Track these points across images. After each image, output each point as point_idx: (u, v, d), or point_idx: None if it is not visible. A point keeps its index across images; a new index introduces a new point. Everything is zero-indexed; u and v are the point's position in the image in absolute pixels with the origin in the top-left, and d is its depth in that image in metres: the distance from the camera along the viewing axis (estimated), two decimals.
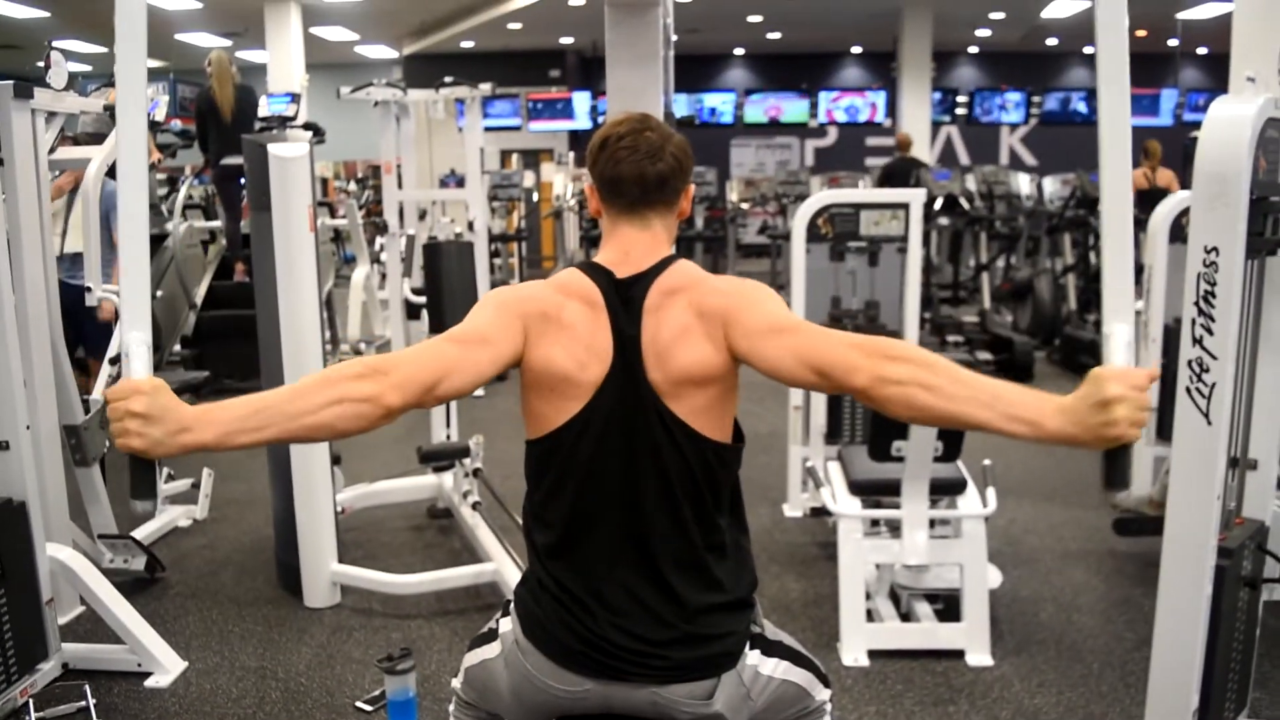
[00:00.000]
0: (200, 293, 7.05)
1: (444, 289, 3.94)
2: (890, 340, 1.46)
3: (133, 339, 1.39)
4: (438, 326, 3.98)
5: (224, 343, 6.67)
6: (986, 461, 3.28)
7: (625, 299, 1.56)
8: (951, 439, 3.10)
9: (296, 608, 3.49)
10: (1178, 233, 4.20)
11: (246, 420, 1.31)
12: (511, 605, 1.66)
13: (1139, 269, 7.43)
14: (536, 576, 1.61)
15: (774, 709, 1.64)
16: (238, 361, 6.34)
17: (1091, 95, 14.08)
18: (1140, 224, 7.69)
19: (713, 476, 1.57)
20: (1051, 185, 11.85)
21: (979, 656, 3.07)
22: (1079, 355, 7.26)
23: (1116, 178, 1.50)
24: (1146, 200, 7.96)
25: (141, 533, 3.96)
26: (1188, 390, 2.17)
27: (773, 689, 1.63)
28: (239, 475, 4.87)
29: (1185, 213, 4.12)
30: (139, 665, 3.00)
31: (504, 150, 15.17)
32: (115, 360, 3.84)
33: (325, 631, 3.32)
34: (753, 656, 1.60)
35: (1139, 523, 3.88)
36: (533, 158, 14.72)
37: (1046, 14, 12.82)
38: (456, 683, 1.83)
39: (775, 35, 14.77)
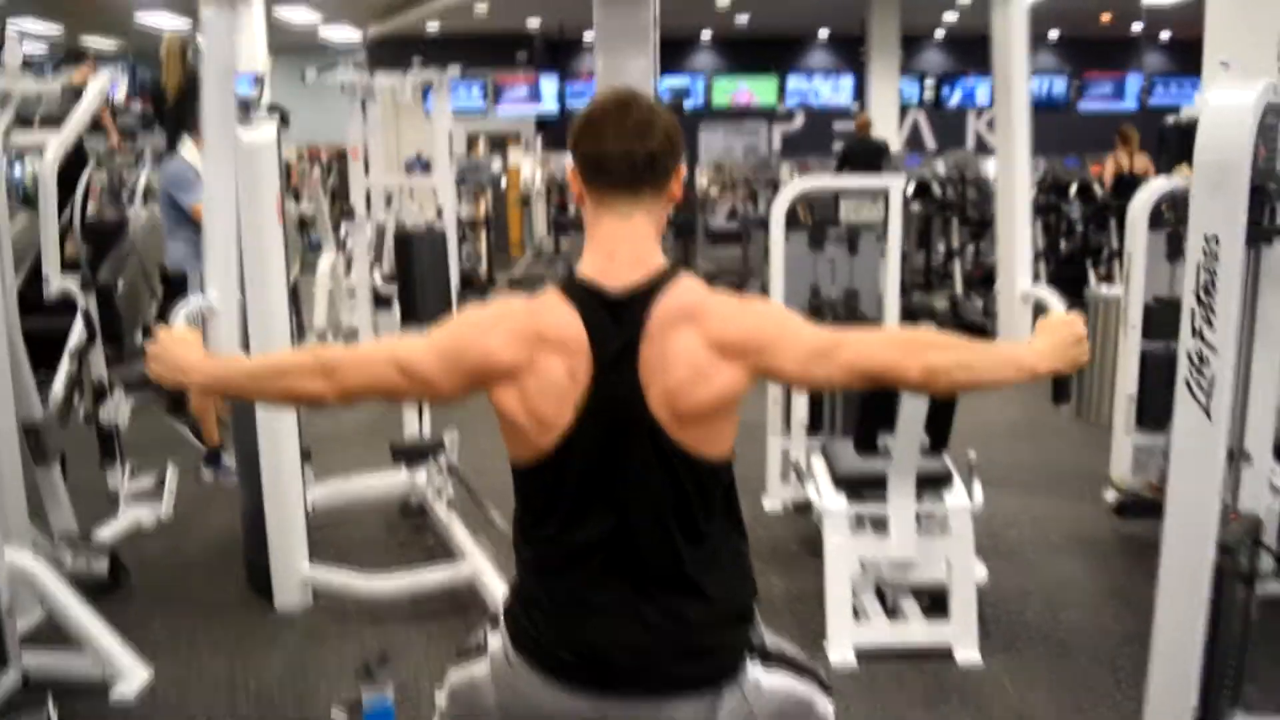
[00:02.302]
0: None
1: (416, 279, 3.83)
2: (916, 331, 1.54)
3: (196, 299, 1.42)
4: (409, 316, 3.88)
5: None
6: (971, 454, 3.23)
7: (618, 317, 1.45)
8: (938, 430, 3.05)
9: (267, 612, 3.38)
10: (1156, 219, 4.16)
11: (219, 384, 1.61)
12: (500, 620, 1.57)
13: (1120, 253, 7.44)
14: (527, 590, 1.53)
15: None
16: None
17: (1058, 79, 14.15)
18: (1116, 209, 7.75)
19: (709, 492, 1.50)
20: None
21: (968, 654, 3.03)
22: None
23: (1013, 158, 1.91)
24: (1124, 186, 7.98)
25: (104, 534, 3.83)
26: (1187, 383, 2.12)
27: (776, 703, 1.56)
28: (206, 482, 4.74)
29: (1164, 199, 4.09)
30: (103, 675, 2.89)
31: (470, 134, 14.98)
32: (73, 354, 3.71)
33: (297, 637, 3.22)
34: (754, 669, 1.53)
35: (1140, 506, 3.86)
36: (500, 142, 14.56)
37: None
38: (440, 700, 1.74)
39: (743, 19, 14.68)
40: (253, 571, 3.55)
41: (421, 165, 11.96)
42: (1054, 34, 16.30)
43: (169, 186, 4.59)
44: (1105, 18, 14.25)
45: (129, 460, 4.20)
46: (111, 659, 2.89)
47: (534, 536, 1.53)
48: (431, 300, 3.86)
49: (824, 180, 5.02)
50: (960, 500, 3.13)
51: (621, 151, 1.47)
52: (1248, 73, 4.93)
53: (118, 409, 4.04)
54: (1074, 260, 8.02)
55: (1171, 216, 4.11)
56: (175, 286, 4.60)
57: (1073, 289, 7.91)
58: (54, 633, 3.05)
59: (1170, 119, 5.35)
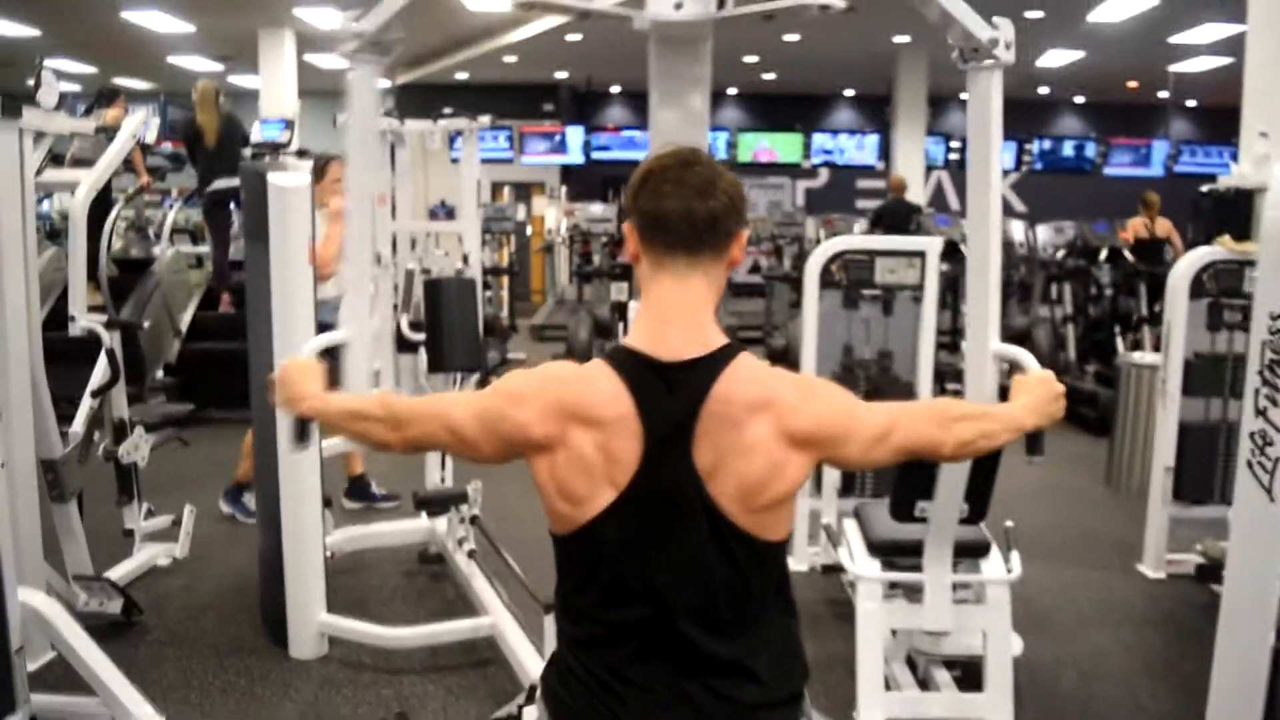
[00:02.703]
0: (186, 319, 6.87)
1: (444, 325, 3.80)
2: (944, 403, 1.61)
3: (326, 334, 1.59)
4: (437, 363, 3.84)
5: (208, 373, 6.48)
6: (1009, 523, 3.15)
7: (673, 388, 1.40)
8: (977, 500, 2.96)
9: (281, 659, 3.31)
10: (1198, 288, 4.10)
11: (318, 416, 1.65)
12: (538, 693, 1.50)
13: (1150, 319, 7.36)
14: (566, 663, 1.46)
15: None
16: (222, 393, 6.15)
17: (1083, 143, 14.17)
18: (1140, 274, 7.69)
19: (768, 573, 1.45)
20: (1045, 233, 11.86)
21: None
22: (1078, 406, 7.17)
23: (985, 220, 2.07)
24: (1146, 250, 7.95)
25: (118, 573, 3.77)
26: (1249, 464, 2.05)
27: None
28: (221, 514, 4.68)
29: (1206, 268, 4.03)
30: (113, 718, 2.81)
31: (495, 182, 15.07)
32: (96, 393, 3.68)
33: (312, 686, 3.14)
34: None
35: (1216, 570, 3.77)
36: (524, 191, 14.65)
37: (1040, 63, 12.88)
38: None
39: (770, 76, 14.79)
40: (268, 617, 3.48)
41: (445, 211, 12.06)
42: (1080, 99, 16.36)
43: None
44: (1132, 84, 14.29)
45: (146, 500, 4.15)
46: (123, 703, 2.81)
47: (572, 609, 1.48)
48: (460, 348, 3.83)
49: (860, 240, 4.95)
50: (998, 571, 3.04)
51: (682, 210, 1.42)
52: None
53: (136, 447, 4.00)
54: (1102, 325, 7.93)
55: (1213, 286, 4.05)
56: None
57: (1101, 354, 7.86)
58: (65, 673, 2.98)
59: (1205, 187, 5.29)
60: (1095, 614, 3.85)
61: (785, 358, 8.38)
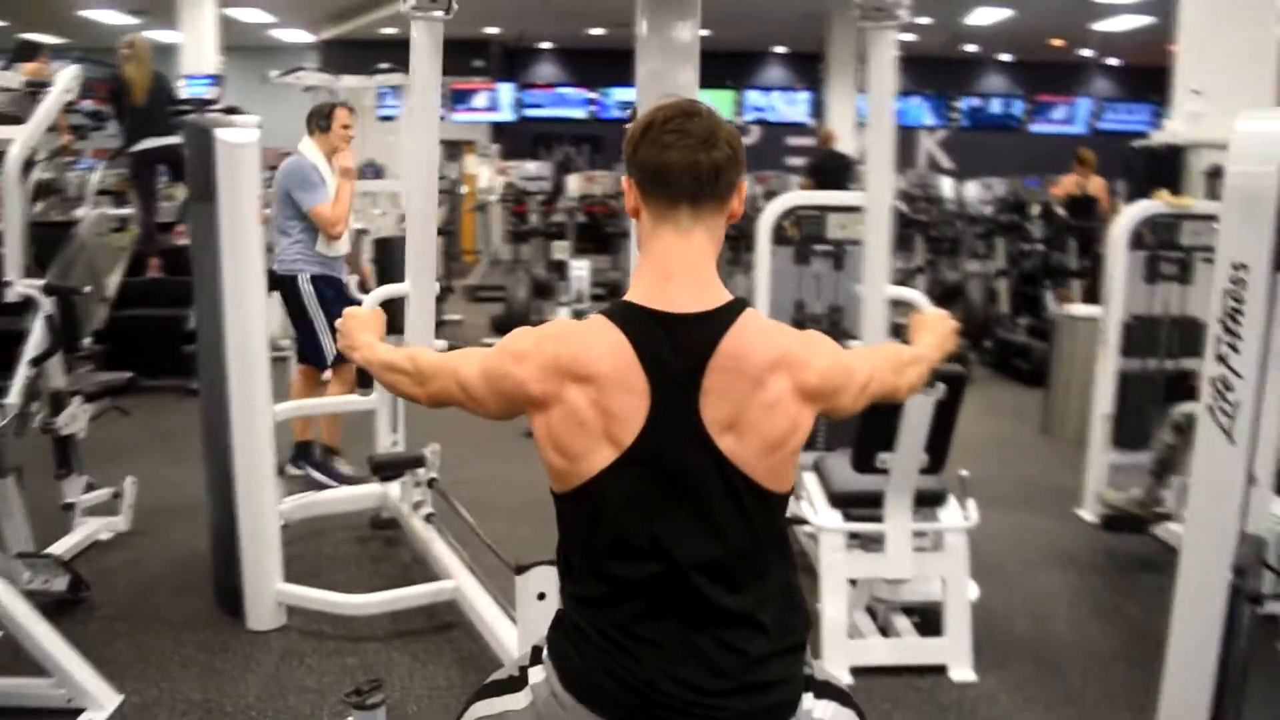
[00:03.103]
0: (113, 285, 6.62)
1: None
2: (893, 349, 1.72)
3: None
4: (394, 323, 3.75)
5: (138, 340, 6.27)
6: (964, 472, 3.21)
7: (678, 342, 1.40)
8: (938, 451, 3.02)
9: (239, 631, 3.24)
10: (1136, 241, 4.20)
11: (365, 365, 1.74)
12: (544, 653, 1.49)
13: (1080, 273, 7.53)
14: (573, 623, 1.45)
15: None
16: (153, 361, 5.97)
17: (1009, 101, 14.40)
18: (1071, 229, 7.86)
19: (775, 524, 1.46)
20: (974, 189, 12.03)
21: (963, 672, 3.01)
22: (1013, 358, 7.35)
23: (880, 174, 2.29)
24: (1078, 206, 8.11)
25: (59, 549, 3.65)
26: (1210, 409, 2.11)
27: None
28: (164, 483, 4.56)
29: (1147, 222, 4.13)
30: (69, 700, 2.73)
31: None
32: (34, 362, 3.54)
33: (273, 658, 3.09)
34: (807, 701, 1.48)
35: (1126, 520, 3.89)
36: (455, 149, 14.40)
37: (970, 20, 13.01)
38: None
39: (704, 32, 14.66)
40: (222, 588, 3.41)
41: (373, 171, 11.79)
42: (1006, 57, 16.57)
43: (288, 183, 4.43)
44: (1057, 42, 14.51)
45: (86, 472, 4.03)
46: (79, 682, 2.74)
47: (576, 567, 1.46)
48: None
49: (813, 195, 4.95)
50: (956, 519, 3.11)
51: (686, 161, 1.41)
52: (1215, 99, 5.03)
53: (75, 418, 3.87)
54: (1033, 280, 8.11)
55: (1152, 239, 4.15)
56: (286, 288, 4.48)
57: (1032, 307, 8.04)
58: (13, 655, 2.89)
59: (1137, 143, 5.43)
60: (1041, 559, 3.96)
61: None
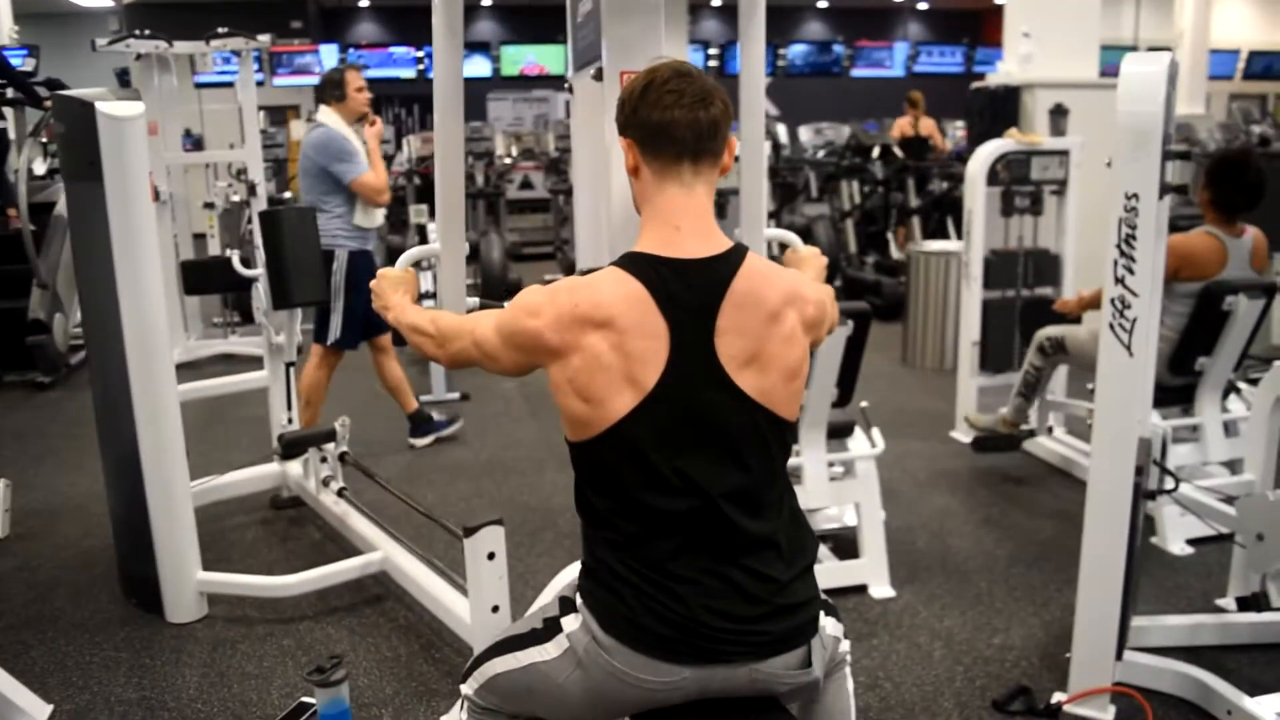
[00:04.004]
0: None
1: (286, 258, 3.60)
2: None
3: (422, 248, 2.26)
4: (282, 298, 3.65)
5: None
6: (864, 404, 3.41)
7: (691, 283, 1.47)
8: (847, 385, 3.20)
9: (160, 626, 3.13)
10: (992, 177, 4.49)
11: (395, 324, 1.86)
12: (578, 601, 1.55)
13: (917, 210, 7.94)
14: (608, 568, 1.51)
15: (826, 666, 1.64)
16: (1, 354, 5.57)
17: (831, 46, 14.88)
18: (908, 169, 8.28)
19: (785, 453, 1.55)
20: (806, 134, 12.46)
21: (882, 589, 3.22)
22: (866, 295, 7.71)
23: (753, 126, 2.32)
24: (912, 147, 8.54)
25: None
26: (1111, 326, 2.33)
27: (831, 645, 1.63)
28: (34, 484, 4.32)
29: (1001, 159, 4.42)
30: None
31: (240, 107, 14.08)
32: None
33: (204, 648, 3.00)
34: (823, 617, 1.59)
35: (996, 440, 4.19)
36: (279, 115, 13.79)
37: None
38: (469, 689, 1.70)
39: None
40: (133, 582, 3.27)
41: (191, 142, 11.20)
42: (824, 4, 17.08)
43: (322, 158, 4.26)
44: None
45: None
46: (5, 696, 2.60)
47: (604, 511, 1.51)
48: (304, 280, 3.66)
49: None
50: (864, 448, 3.31)
51: (689, 119, 1.48)
52: (1044, 42, 5.38)
53: None
54: (875, 219, 8.51)
55: (1005, 175, 4.45)
56: (326, 264, 4.24)
57: (877, 245, 8.44)
58: None
59: (975, 85, 5.76)
60: (928, 480, 4.25)
61: (584, 272, 8.48)
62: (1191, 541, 3.48)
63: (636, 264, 1.49)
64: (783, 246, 2.37)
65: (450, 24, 2.33)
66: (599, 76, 1.79)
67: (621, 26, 1.72)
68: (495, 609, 2.61)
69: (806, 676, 1.52)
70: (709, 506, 1.47)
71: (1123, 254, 2.29)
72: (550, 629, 1.57)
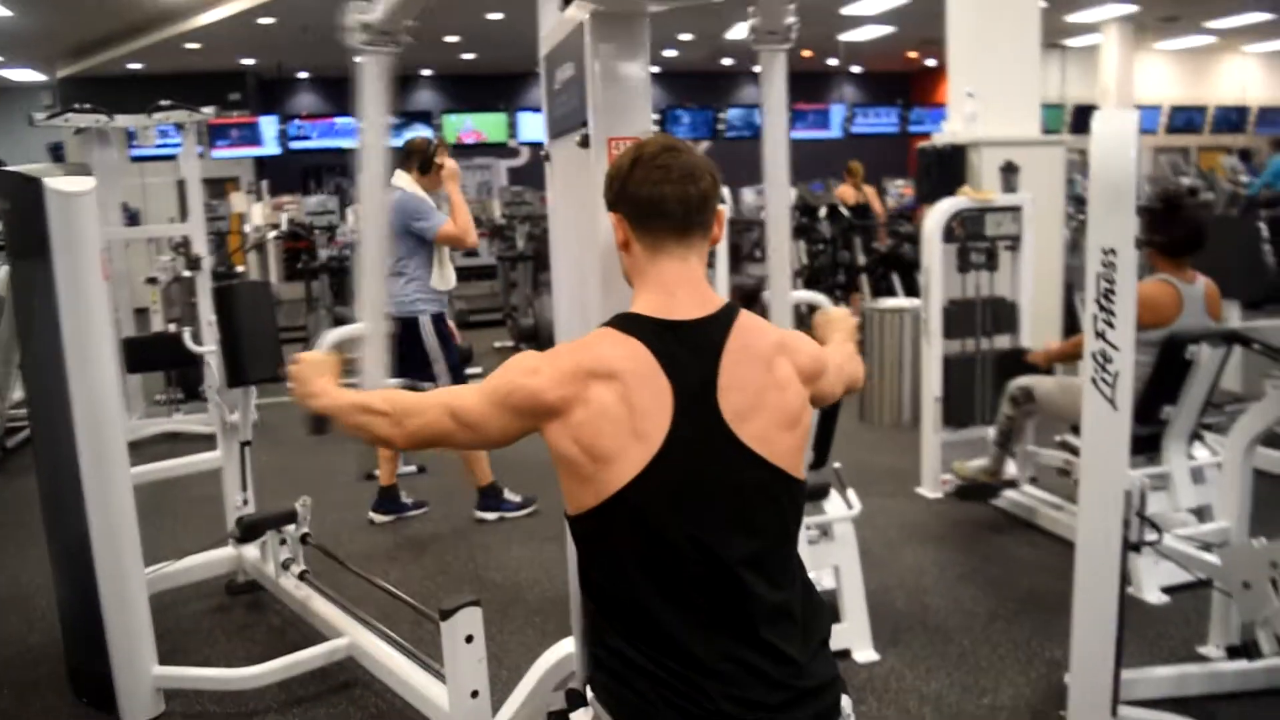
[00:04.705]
0: None
1: (242, 334, 3.50)
2: (830, 346, 1.81)
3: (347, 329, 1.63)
4: (236, 375, 3.54)
5: None
6: (837, 465, 3.38)
7: (690, 345, 1.45)
8: (823, 447, 3.17)
9: None
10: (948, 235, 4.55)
11: (327, 410, 1.66)
12: (589, 695, 1.47)
13: (864, 269, 8.04)
14: (621, 658, 1.43)
15: None
16: None
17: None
18: (854, 228, 8.41)
19: (797, 516, 1.51)
20: (749, 196, 12.64)
21: (866, 653, 3.16)
22: None
23: (778, 189, 2.39)
24: (859, 212, 8.72)
25: None
26: (1094, 380, 2.33)
27: None
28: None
29: (955, 216, 4.48)
30: None
31: (180, 181, 13.92)
32: None
33: None
34: (844, 700, 1.53)
35: (979, 489, 4.20)
36: (218, 187, 13.64)
37: (730, 35, 13.62)
38: None
39: (470, 55, 14.64)
40: (83, 679, 3.09)
41: (129, 216, 11.02)
42: (759, 69, 17.42)
43: (401, 219, 4.23)
44: (806, 53, 15.43)
45: None
46: None
47: (616, 592, 1.45)
48: (260, 356, 3.55)
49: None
50: (841, 509, 3.27)
51: (679, 195, 1.49)
52: (987, 101, 5.50)
53: None
54: (823, 277, 8.61)
55: (961, 231, 4.51)
56: (408, 331, 4.27)
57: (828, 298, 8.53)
58: None
59: (922, 145, 5.87)
60: (899, 537, 4.22)
61: (536, 338, 8.41)
62: (1167, 590, 3.48)
63: (635, 324, 1.47)
64: (811, 309, 2.36)
65: (375, 98, 2.32)
66: (585, 143, 1.76)
67: (609, 93, 1.69)
68: (475, 694, 2.52)
69: None
70: (724, 574, 1.42)
71: (1102, 308, 2.30)
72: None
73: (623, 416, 1.40)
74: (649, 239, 1.51)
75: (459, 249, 4.49)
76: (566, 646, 2.61)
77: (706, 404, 1.43)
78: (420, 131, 14.58)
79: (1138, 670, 2.79)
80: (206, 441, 5.85)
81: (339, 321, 8.39)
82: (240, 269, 9.19)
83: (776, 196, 2.34)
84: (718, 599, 1.42)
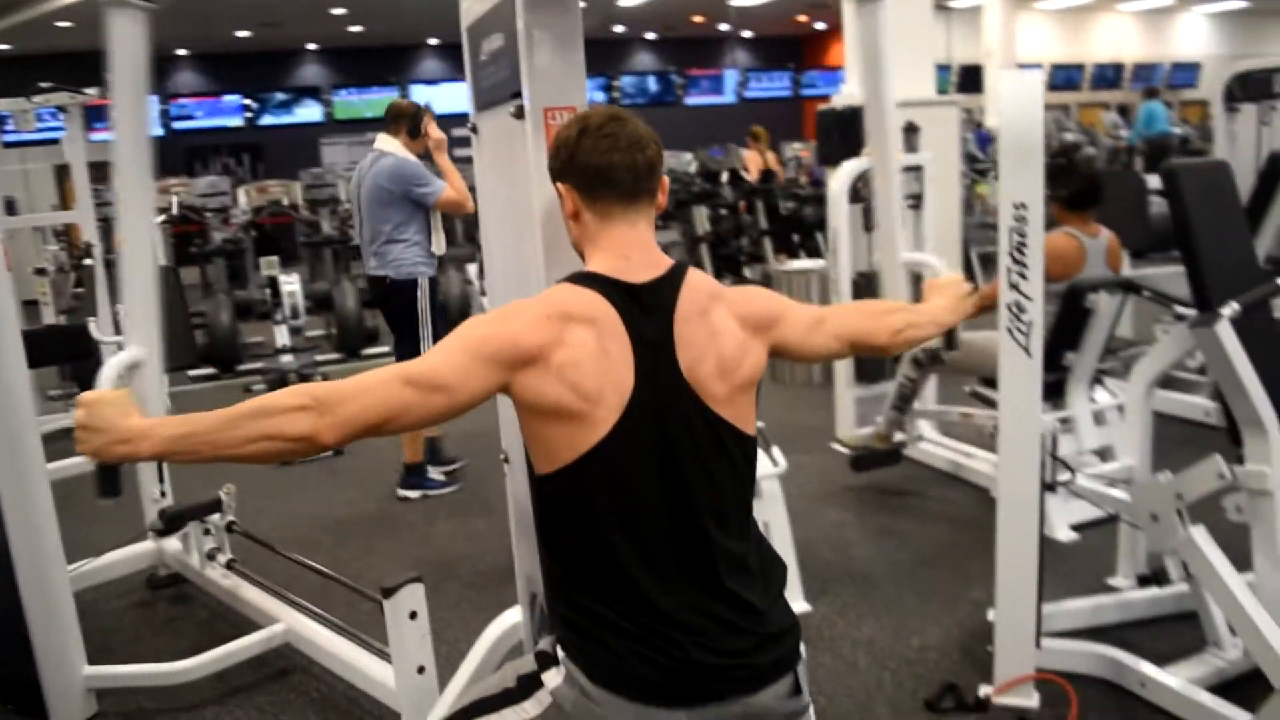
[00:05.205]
0: None
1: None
2: (868, 301, 1.74)
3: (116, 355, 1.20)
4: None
5: None
6: (760, 424, 3.45)
7: (646, 306, 1.48)
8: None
9: None
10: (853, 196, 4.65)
11: (179, 442, 1.31)
12: (560, 655, 1.49)
13: (812, 228, 8.14)
14: (590, 616, 1.46)
15: None
16: None
17: (666, 76, 15.19)
18: (758, 192, 8.52)
19: (751, 472, 1.55)
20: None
21: (798, 604, 3.26)
22: None
23: (886, 160, 2.94)
24: (766, 176, 8.82)
25: None
26: (1009, 330, 2.44)
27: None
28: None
29: (860, 177, 4.59)
30: None
31: (58, 165, 13.28)
32: None
33: None
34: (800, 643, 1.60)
35: (873, 457, 4.31)
36: (100, 171, 13.06)
37: (620, 2, 13.55)
38: None
39: (358, 28, 14.27)
40: (6, 687, 2.98)
41: (7, 204, 10.50)
42: (652, 35, 17.42)
43: (400, 185, 4.17)
44: (698, 19, 15.46)
45: None
46: None
47: (586, 554, 1.48)
48: (173, 343, 3.45)
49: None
50: (768, 467, 3.35)
51: (627, 162, 1.51)
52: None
53: None
54: (727, 241, 8.71)
55: (866, 191, 4.62)
56: (406, 293, 4.26)
57: (731, 266, 8.63)
58: None
59: (823, 108, 5.97)
60: (819, 493, 4.34)
61: (444, 314, 8.32)
62: (1075, 527, 3.66)
63: (595, 280, 1.49)
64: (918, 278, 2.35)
65: (130, 68, 2.02)
66: (520, 114, 1.76)
67: (544, 64, 1.70)
68: (421, 670, 2.52)
69: (798, 704, 1.52)
70: (691, 528, 1.46)
71: (1015, 261, 2.41)
72: (527, 686, 1.52)
73: (601, 359, 1.43)
74: (599, 207, 1.53)
75: (458, 214, 4.62)
76: (512, 617, 2.66)
77: (665, 361, 1.46)
78: (308, 109, 14.22)
79: (1055, 604, 2.95)
80: None
81: (236, 308, 8.17)
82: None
83: (883, 156, 2.30)
84: (685, 552, 1.47)
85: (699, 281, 1.55)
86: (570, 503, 1.47)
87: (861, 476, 4.50)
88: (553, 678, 1.49)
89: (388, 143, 4.34)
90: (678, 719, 1.43)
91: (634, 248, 1.52)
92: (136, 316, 1.89)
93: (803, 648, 1.62)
